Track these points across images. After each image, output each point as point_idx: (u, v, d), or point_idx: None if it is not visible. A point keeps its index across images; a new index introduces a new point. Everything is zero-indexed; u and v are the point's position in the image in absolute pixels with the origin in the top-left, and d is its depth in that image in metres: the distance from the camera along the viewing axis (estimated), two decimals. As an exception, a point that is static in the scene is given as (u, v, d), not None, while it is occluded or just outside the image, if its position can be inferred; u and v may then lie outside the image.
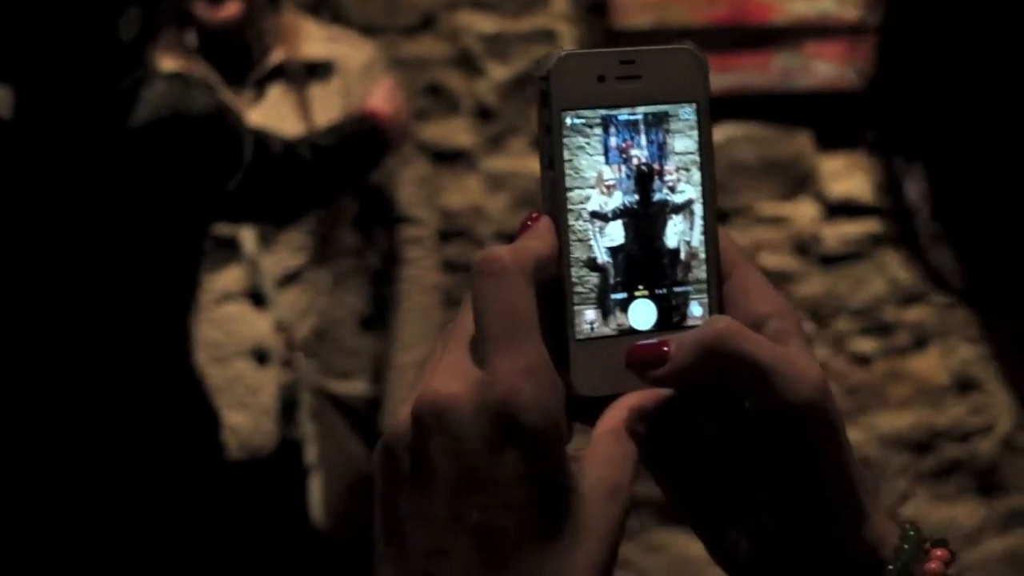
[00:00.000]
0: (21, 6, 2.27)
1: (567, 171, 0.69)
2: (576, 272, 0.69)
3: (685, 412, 0.69)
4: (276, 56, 3.07)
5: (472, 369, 0.63)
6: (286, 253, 3.05)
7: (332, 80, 3.09)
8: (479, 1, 3.81)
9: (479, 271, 0.64)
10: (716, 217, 0.72)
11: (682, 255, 0.72)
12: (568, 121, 0.69)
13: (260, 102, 3.06)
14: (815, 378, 0.68)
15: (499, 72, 3.79)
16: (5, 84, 2.30)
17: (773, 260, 3.82)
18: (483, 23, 3.80)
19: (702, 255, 0.72)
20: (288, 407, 3.04)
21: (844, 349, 3.90)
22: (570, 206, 0.69)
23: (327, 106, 3.07)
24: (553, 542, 0.63)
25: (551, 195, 0.69)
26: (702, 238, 0.72)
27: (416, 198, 3.21)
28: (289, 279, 3.05)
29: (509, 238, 0.70)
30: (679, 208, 0.72)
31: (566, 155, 0.69)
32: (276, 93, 3.07)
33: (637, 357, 0.69)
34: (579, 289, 0.69)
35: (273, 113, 3.04)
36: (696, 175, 0.72)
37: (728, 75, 3.65)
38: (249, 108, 3.05)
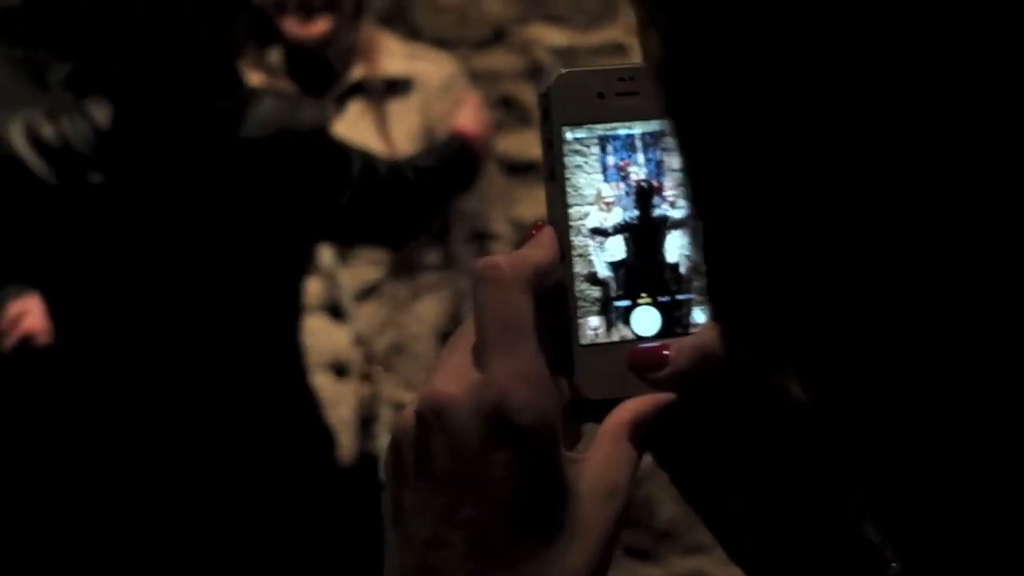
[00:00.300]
0: (124, 17, 2.29)
1: (567, 188, 0.71)
2: (578, 284, 0.71)
3: (689, 414, 0.71)
4: (356, 72, 3.09)
5: (472, 371, 0.66)
6: (364, 267, 3.05)
7: (411, 96, 3.11)
8: (550, 15, 3.81)
9: (478, 278, 0.67)
10: None
11: (684, 267, 0.73)
12: (568, 136, 0.71)
13: (339, 118, 3.08)
14: None
15: (570, 85, 3.79)
16: (104, 97, 2.33)
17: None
18: (554, 36, 3.81)
19: (704, 266, 0.72)
20: (366, 421, 3.05)
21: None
22: (570, 223, 0.71)
23: (405, 122, 3.08)
24: (546, 539, 0.65)
25: (553, 207, 0.71)
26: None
27: (496, 213, 3.22)
28: (367, 293, 3.06)
29: (521, 230, 0.72)
30: (679, 223, 0.72)
31: (566, 172, 0.71)
32: (355, 109, 3.09)
33: (638, 360, 0.71)
34: (582, 297, 0.71)
35: (351, 129, 3.05)
36: None
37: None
38: None
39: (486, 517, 0.65)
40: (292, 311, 2.60)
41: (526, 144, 3.78)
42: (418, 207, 2.77)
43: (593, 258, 0.71)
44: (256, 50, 3.08)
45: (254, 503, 2.49)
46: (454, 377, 0.66)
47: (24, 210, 2.38)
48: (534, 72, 3.81)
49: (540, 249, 0.69)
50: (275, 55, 3.11)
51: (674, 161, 0.71)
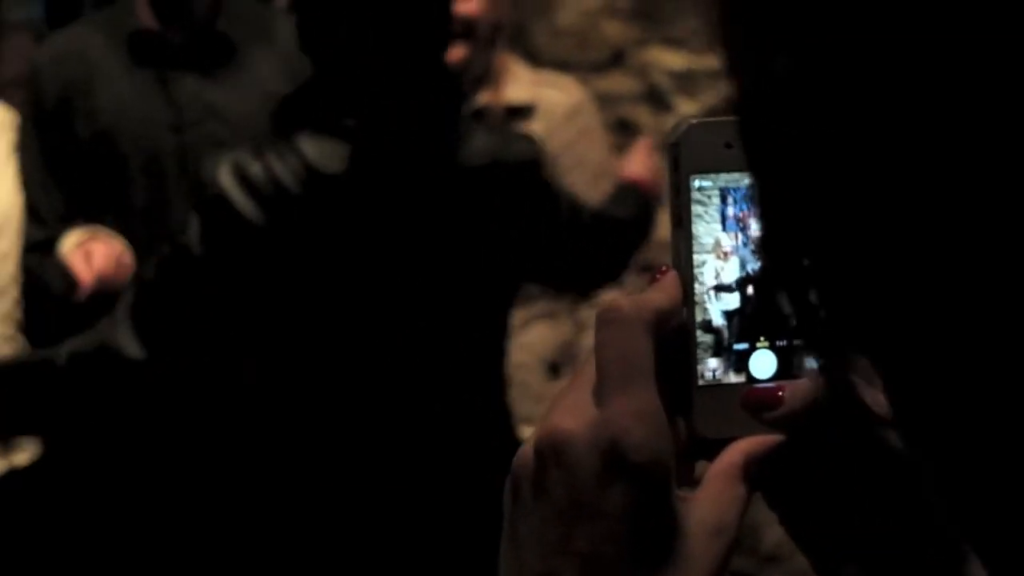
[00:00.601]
0: (365, 61, 2.31)
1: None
2: (698, 328, 0.73)
3: (799, 457, 0.72)
4: (481, 98, 3.08)
5: (590, 409, 0.67)
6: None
7: (533, 123, 3.09)
8: (668, 38, 3.77)
9: (601, 319, 0.69)
10: None
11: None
12: (696, 184, 0.73)
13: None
14: None
15: (687, 107, 3.76)
16: (339, 139, 2.35)
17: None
18: (672, 59, 3.77)
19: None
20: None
21: None
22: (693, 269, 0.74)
23: None
24: (655, 574, 0.67)
25: (678, 253, 0.73)
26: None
27: None
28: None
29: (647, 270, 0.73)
30: None
31: (692, 218, 0.73)
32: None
33: (753, 399, 0.72)
34: (702, 340, 0.73)
35: None
36: None
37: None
38: None
39: (598, 550, 0.66)
40: (497, 344, 2.61)
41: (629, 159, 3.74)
42: (613, 255, 2.79)
43: (709, 305, 0.73)
44: None
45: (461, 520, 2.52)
46: (573, 414, 0.67)
47: (234, 250, 2.40)
48: (652, 95, 3.77)
49: (663, 293, 0.71)
50: None
51: None
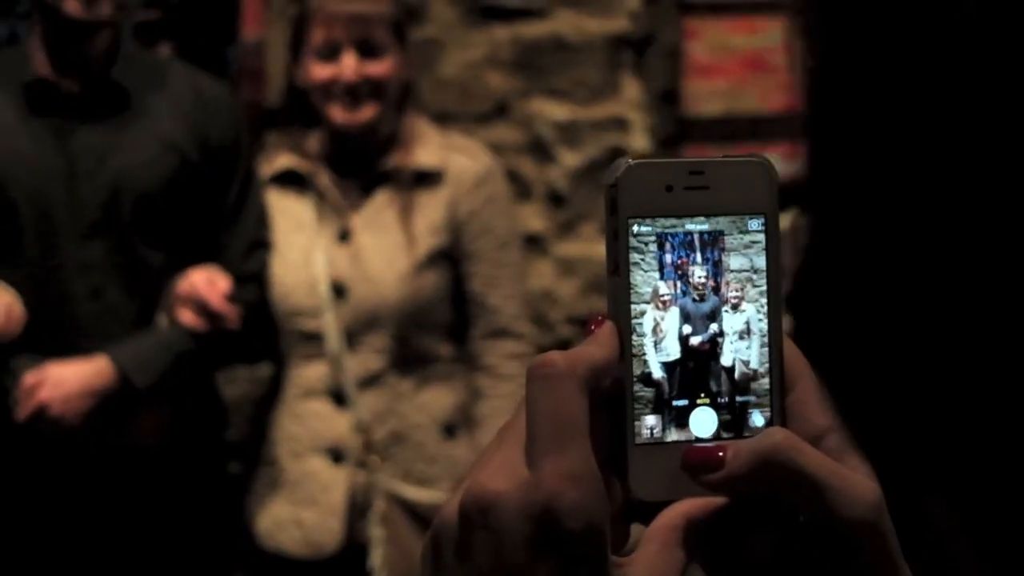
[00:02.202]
0: None
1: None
2: (633, 384, 0.69)
3: (740, 523, 0.69)
4: (390, 161, 3.10)
5: (520, 469, 0.64)
6: (369, 354, 3.05)
7: (440, 189, 3.11)
8: (552, 89, 3.82)
9: (532, 375, 0.65)
10: (781, 330, 0.71)
11: (744, 367, 0.71)
12: (635, 229, 0.70)
13: (366, 204, 3.09)
14: (870, 497, 0.66)
15: (571, 159, 3.80)
16: None
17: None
18: (555, 111, 3.81)
19: (764, 367, 0.71)
20: (359, 509, 3.05)
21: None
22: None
23: (429, 215, 3.09)
24: None
25: (616, 301, 0.70)
26: (765, 351, 0.71)
27: (522, 312, 3.21)
28: (371, 380, 3.06)
29: (579, 322, 0.72)
30: (739, 323, 0.71)
31: (629, 266, 0.70)
32: (382, 197, 3.09)
33: (693, 460, 0.68)
34: (639, 396, 0.69)
35: (376, 217, 3.07)
36: (761, 287, 0.71)
37: (797, 162, 3.65)
38: (354, 210, 3.08)
39: None
40: None
41: (526, 217, 3.78)
42: None
43: (648, 358, 0.70)
44: (296, 133, 3.12)
45: None
46: (502, 474, 0.64)
47: None
48: (536, 146, 3.81)
49: (598, 347, 0.68)
50: (312, 139, 3.13)
51: (732, 261, 0.71)
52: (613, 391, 0.69)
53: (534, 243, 3.80)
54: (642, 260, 0.70)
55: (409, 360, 3.08)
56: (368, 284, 3.04)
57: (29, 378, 2.86)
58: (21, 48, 3.03)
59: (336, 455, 3.04)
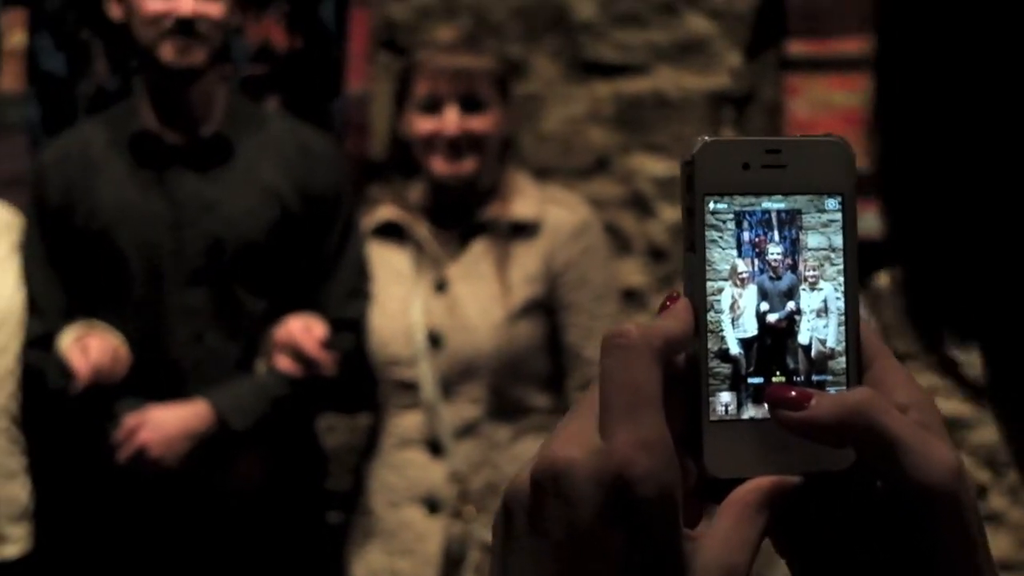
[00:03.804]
0: None
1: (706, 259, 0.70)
2: (710, 360, 0.69)
3: (814, 500, 0.68)
4: (488, 212, 3.13)
5: (593, 437, 0.63)
6: (465, 403, 3.07)
7: (537, 240, 3.14)
8: (652, 144, 3.84)
9: (607, 346, 0.65)
10: (858, 310, 0.71)
11: (820, 346, 0.71)
12: (711, 206, 0.69)
13: (463, 255, 3.13)
14: (950, 463, 0.65)
15: (670, 213, 3.81)
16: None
17: (948, 406, 3.76)
18: (656, 166, 3.83)
19: (841, 346, 0.71)
20: (454, 560, 3.05)
21: (1021, 499, 3.82)
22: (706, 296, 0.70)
23: (525, 265, 3.11)
24: None
25: (692, 278, 0.70)
26: (842, 329, 0.71)
27: None
28: (467, 430, 3.08)
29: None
30: (817, 301, 0.71)
31: (707, 243, 0.69)
32: (479, 247, 3.13)
33: (776, 396, 0.68)
34: (714, 372, 0.69)
35: (472, 267, 3.10)
36: (838, 266, 0.71)
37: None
38: (451, 260, 3.12)
39: None
40: None
41: (626, 272, 3.79)
42: None
43: (726, 334, 0.69)
44: (398, 185, 3.17)
45: None
46: (574, 442, 0.63)
47: None
48: (636, 201, 3.83)
49: (673, 320, 0.67)
50: (413, 191, 3.18)
51: (810, 240, 0.71)
52: (688, 369, 0.69)
53: (633, 298, 3.81)
54: (720, 237, 0.69)
55: (505, 410, 3.09)
56: (464, 333, 3.07)
57: (130, 420, 2.92)
58: (130, 102, 3.11)
59: (432, 505, 3.05)
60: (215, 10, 2.97)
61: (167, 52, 2.94)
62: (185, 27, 2.93)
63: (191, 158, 3.03)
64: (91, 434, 2.96)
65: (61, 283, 2.99)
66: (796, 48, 3.77)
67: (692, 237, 0.70)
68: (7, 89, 3.51)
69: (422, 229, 3.14)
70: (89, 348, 2.87)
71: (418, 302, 3.10)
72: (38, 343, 2.94)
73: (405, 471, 3.07)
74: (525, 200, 3.16)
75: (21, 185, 3.15)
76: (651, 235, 3.82)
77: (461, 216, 3.15)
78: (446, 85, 3.10)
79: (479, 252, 3.12)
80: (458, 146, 3.09)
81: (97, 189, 3.00)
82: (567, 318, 3.12)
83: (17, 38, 3.52)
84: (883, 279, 3.69)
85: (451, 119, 3.08)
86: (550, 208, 3.17)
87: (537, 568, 0.64)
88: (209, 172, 3.03)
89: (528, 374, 3.11)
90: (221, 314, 3.01)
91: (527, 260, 3.12)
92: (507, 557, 0.65)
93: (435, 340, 3.07)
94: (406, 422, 3.08)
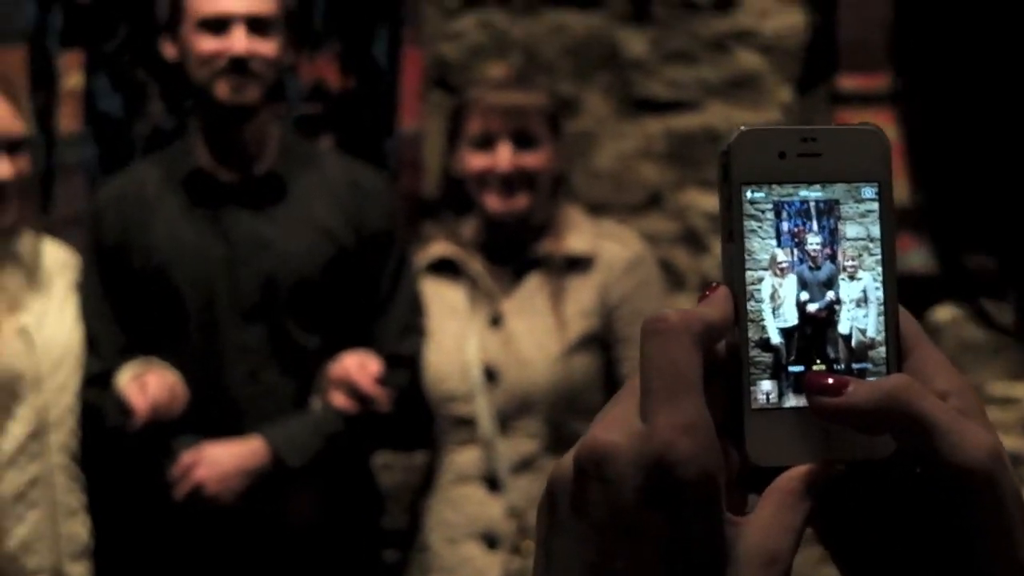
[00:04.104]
0: None
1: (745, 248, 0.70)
2: (751, 348, 0.69)
3: (856, 486, 0.69)
4: (542, 247, 3.14)
5: (634, 421, 0.64)
6: (522, 439, 3.07)
7: (591, 275, 3.15)
8: (704, 180, 3.84)
9: (646, 330, 0.65)
10: (897, 297, 0.71)
11: (860, 335, 0.71)
12: (749, 195, 0.69)
13: (517, 290, 3.13)
14: (988, 445, 0.65)
15: (724, 249, 3.81)
16: None
17: (1004, 442, 3.73)
18: (708, 201, 3.83)
19: (881, 335, 0.71)
20: (515, 594, 3.05)
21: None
22: (745, 286, 0.70)
23: (580, 299, 3.12)
24: None
25: (731, 267, 0.70)
26: (881, 319, 0.71)
27: None
28: (524, 465, 3.07)
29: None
30: (856, 291, 0.71)
31: (745, 232, 0.70)
32: (534, 282, 3.13)
33: (814, 384, 0.67)
34: (755, 362, 0.69)
35: (527, 302, 3.11)
36: (876, 255, 0.71)
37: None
38: (506, 295, 3.13)
39: (638, 571, 0.63)
40: None
41: (680, 307, 3.78)
42: None
43: (766, 323, 0.69)
44: (451, 221, 3.19)
45: None
46: (616, 426, 0.64)
47: None
48: (689, 236, 3.83)
49: (713, 307, 0.68)
50: (466, 227, 3.19)
51: (849, 230, 0.71)
52: (729, 358, 0.69)
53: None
54: (759, 227, 0.70)
55: (562, 444, 3.09)
56: (519, 368, 3.07)
57: (187, 457, 2.93)
58: (186, 141, 3.14)
59: (490, 541, 3.05)
60: (268, 49, 3.00)
61: (221, 90, 2.97)
62: (239, 66, 2.96)
63: (245, 196, 3.05)
64: (149, 471, 2.97)
65: (118, 321, 3.02)
66: (847, 83, 3.77)
67: (730, 226, 0.70)
68: (65, 130, 3.56)
69: (476, 265, 3.15)
70: (147, 385, 2.89)
71: (473, 338, 3.10)
72: (97, 381, 2.96)
73: (463, 507, 3.07)
74: (579, 235, 3.16)
75: (80, 225, 3.18)
76: (704, 270, 3.81)
77: (515, 251, 3.16)
78: (498, 122, 3.11)
79: (534, 287, 3.13)
80: (511, 182, 3.10)
81: (152, 228, 3.02)
82: (622, 352, 3.12)
83: (75, 79, 3.56)
84: (940, 313, 3.67)
85: (504, 155, 3.09)
86: (604, 242, 3.17)
87: (580, 550, 0.64)
88: (263, 210, 3.05)
89: (584, 408, 3.10)
90: (276, 351, 3.02)
91: (582, 294, 3.12)
92: (551, 541, 0.65)
93: (491, 375, 3.07)
94: (463, 458, 3.08)
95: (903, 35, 0.55)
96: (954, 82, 0.51)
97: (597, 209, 3.56)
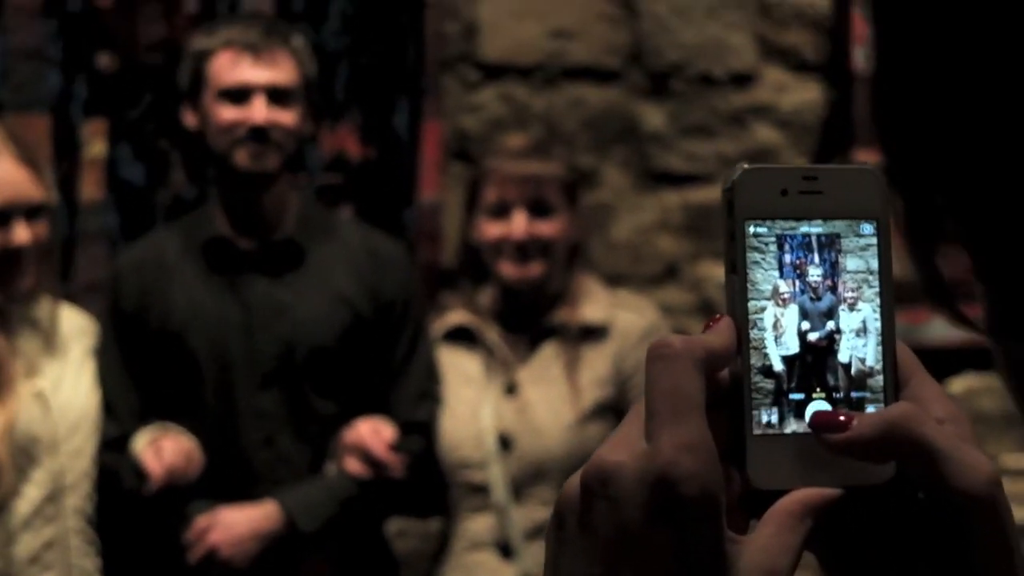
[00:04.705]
0: None
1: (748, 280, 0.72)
2: (753, 376, 0.72)
3: (855, 512, 0.70)
4: (558, 315, 3.16)
5: (640, 442, 0.66)
6: (535, 506, 3.08)
7: (606, 343, 3.16)
8: (719, 252, 3.85)
9: (651, 355, 0.68)
10: (894, 330, 0.74)
11: (860, 364, 0.73)
12: (751, 230, 0.72)
13: (533, 358, 3.15)
14: (988, 471, 0.68)
15: (741, 321, 3.82)
16: None
17: (1020, 513, 3.71)
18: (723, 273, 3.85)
19: (879, 364, 0.74)
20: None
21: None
22: (748, 315, 0.72)
23: (595, 368, 3.13)
24: None
25: (734, 298, 0.72)
26: (879, 349, 0.74)
27: None
28: (537, 532, 3.08)
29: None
30: (856, 321, 0.73)
31: (748, 264, 0.72)
32: (549, 350, 3.15)
33: (820, 420, 0.70)
34: (757, 389, 0.72)
35: (542, 371, 3.12)
36: (875, 288, 0.74)
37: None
38: (521, 363, 3.14)
39: None
40: None
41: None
42: None
43: (769, 351, 0.72)
44: (468, 290, 3.22)
45: None
46: (621, 447, 0.67)
47: None
48: (705, 308, 3.84)
49: (716, 336, 0.70)
50: (483, 296, 3.21)
51: (849, 263, 0.74)
52: (731, 385, 0.72)
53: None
54: (762, 259, 0.72)
55: None
56: (534, 436, 3.08)
57: (201, 521, 2.94)
58: (205, 209, 3.18)
59: (505, 608, 3.05)
60: (288, 119, 3.04)
61: (241, 158, 3.01)
62: (259, 134, 3.00)
63: (263, 263, 3.08)
64: (164, 535, 2.98)
65: (136, 386, 3.04)
66: (863, 157, 3.79)
67: (734, 259, 0.73)
68: (87, 198, 3.59)
69: (492, 333, 3.17)
70: (163, 450, 2.91)
71: (488, 405, 3.12)
72: (113, 445, 2.98)
73: (476, 574, 3.07)
74: (594, 304, 3.18)
75: (101, 291, 3.21)
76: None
77: (531, 320, 3.17)
78: (514, 190, 3.14)
79: (549, 356, 3.14)
80: (526, 250, 3.12)
81: (171, 293, 3.06)
82: None
83: (98, 148, 3.60)
84: (955, 385, 3.67)
85: (519, 223, 3.12)
86: (619, 312, 3.19)
87: (587, 566, 0.66)
88: (281, 277, 3.08)
89: None
90: (292, 417, 3.04)
91: (597, 363, 3.13)
92: (559, 558, 0.68)
93: (505, 443, 3.08)
94: (477, 525, 3.08)
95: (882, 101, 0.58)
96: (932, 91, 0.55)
97: (614, 280, 3.58)
